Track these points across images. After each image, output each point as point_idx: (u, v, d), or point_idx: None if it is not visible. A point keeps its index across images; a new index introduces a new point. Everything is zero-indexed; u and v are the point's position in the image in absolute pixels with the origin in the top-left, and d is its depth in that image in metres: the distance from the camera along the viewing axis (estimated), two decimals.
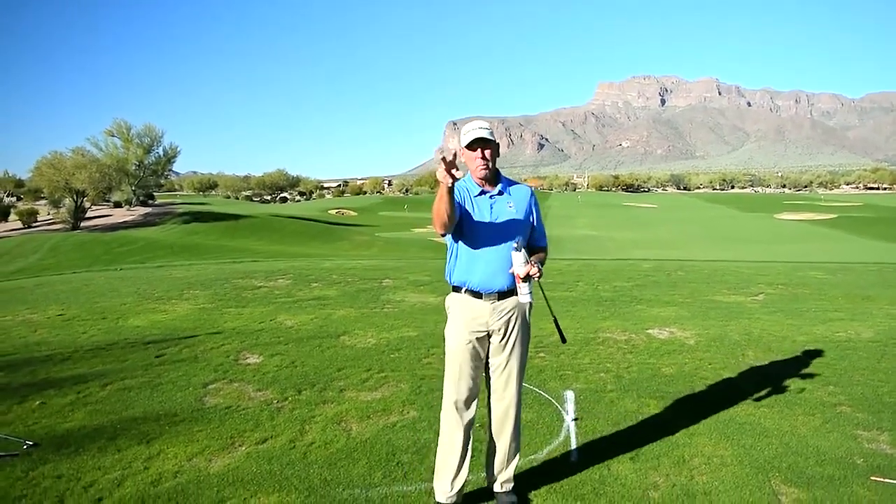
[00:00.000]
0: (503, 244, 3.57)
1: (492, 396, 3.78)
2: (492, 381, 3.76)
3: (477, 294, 3.61)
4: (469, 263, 3.61)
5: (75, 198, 61.00)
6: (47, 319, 9.10)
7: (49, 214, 66.29)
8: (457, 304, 3.68)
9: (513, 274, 3.55)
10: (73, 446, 4.58)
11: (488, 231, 3.59)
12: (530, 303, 3.62)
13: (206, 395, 5.74)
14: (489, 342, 3.69)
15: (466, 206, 3.60)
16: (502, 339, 3.68)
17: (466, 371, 3.62)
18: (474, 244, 3.59)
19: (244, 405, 5.46)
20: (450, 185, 3.17)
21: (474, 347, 3.63)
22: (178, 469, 4.23)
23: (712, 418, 5.18)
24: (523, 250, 3.51)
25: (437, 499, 3.69)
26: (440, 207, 3.33)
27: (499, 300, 3.63)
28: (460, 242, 3.64)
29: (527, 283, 3.53)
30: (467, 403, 3.63)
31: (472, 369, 3.63)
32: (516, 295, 3.63)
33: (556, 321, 3.91)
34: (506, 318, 3.65)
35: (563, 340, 3.89)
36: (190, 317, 9.23)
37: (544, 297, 3.72)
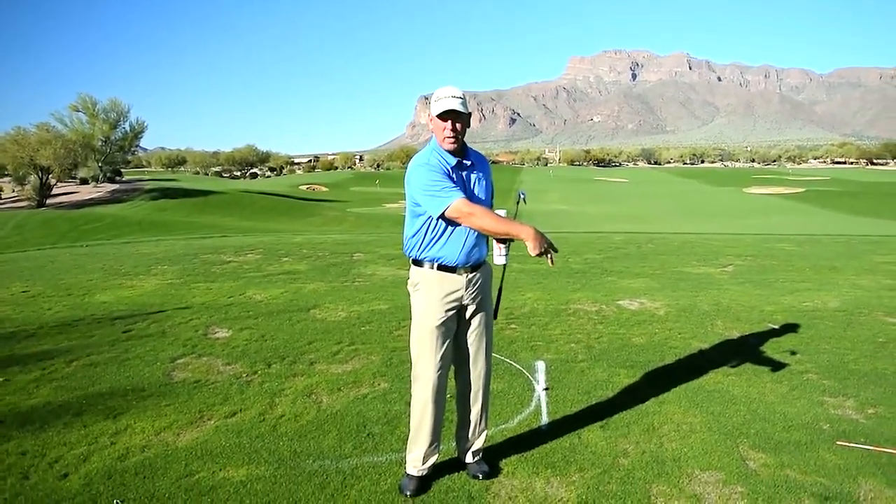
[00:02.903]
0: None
1: (464, 367, 3.75)
2: (466, 354, 3.73)
3: (451, 268, 3.54)
4: (448, 238, 3.49)
5: (40, 175, 60.01)
6: (11, 296, 8.92)
7: (13, 192, 65.21)
8: (430, 280, 3.56)
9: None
10: (38, 423, 4.49)
11: None
12: (504, 265, 3.60)
13: (174, 369, 5.67)
14: (460, 315, 3.64)
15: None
16: (475, 311, 3.65)
17: (440, 346, 3.55)
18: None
19: (213, 379, 5.40)
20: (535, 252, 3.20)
21: (447, 322, 3.56)
22: (145, 443, 4.17)
23: (682, 386, 5.22)
24: (505, 210, 3.47)
25: (409, 471, 3.66)
26: (496, 233, 3.30)
27: (472, 272, 3.58)
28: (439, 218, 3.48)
29: (505, 245, 3.49)
30: (441, 378, 3.58)
31: (444, 344, 3.57)
32: (484, 262, 3.62)
33: (500, 294, 3.86)
34: (477, 288, 3.61)
35: (494, 316, 3.85)
36: (158, 292, 9.10)
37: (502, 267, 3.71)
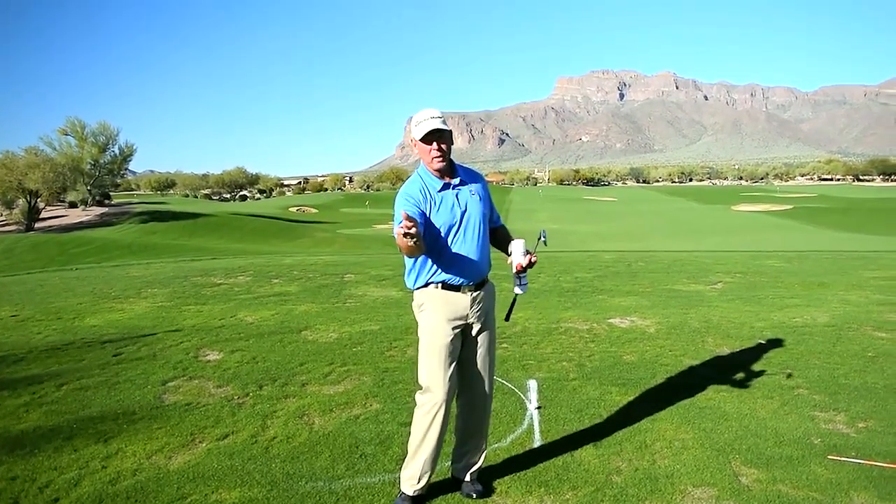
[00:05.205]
0: (476, 234, 3.54)
1: (468, 387, 3.74)
2: (470, 372, 3.72)
3: (455, 287, 3.56)
4: (446, 259, 3.52)
5: (29, 198, 59.82)
6: (0, 321, 8.87)
7: (2, 216, 64.91)
8: (434, 300, 3.57)
9: (511, 265, 3.59)
10: (28, 447, 4.46)
11: (461, 224, 3.53)
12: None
13: (166, 392, 5.64)
14: (465, 334, 3.65)
15: (429, 207, 3.49)
16: (480, 329, 3.67)
17: (449, 365, 3.54)
18: (449, 239, 3.51)
19: (204, 402, 5.38)
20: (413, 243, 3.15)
21: (454, 341, 3.56)
22: (137, 467, 4.15)
23: (673, 403, 5.23)
24: (523, 240, 3.55)
25: (405, 490, 3.64)
26: (412, 252, 3.30)
27: (475, 291, 3.60)
28: (434, 241, 3.52)
29: (524, 274, 3.56)
30: (449, 398, 3.56)
31: (452, 363, 3.56)
32: (486, 285, 3.68)
33: (514, 301, 3.89)
34: (482, 308, 3.64)
35: (507, 319, 3.90)
36: (148, 315, 9.07)
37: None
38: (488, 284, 3.73)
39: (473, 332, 3.66)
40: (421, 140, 3.45)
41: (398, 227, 3.10)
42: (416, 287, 3.63)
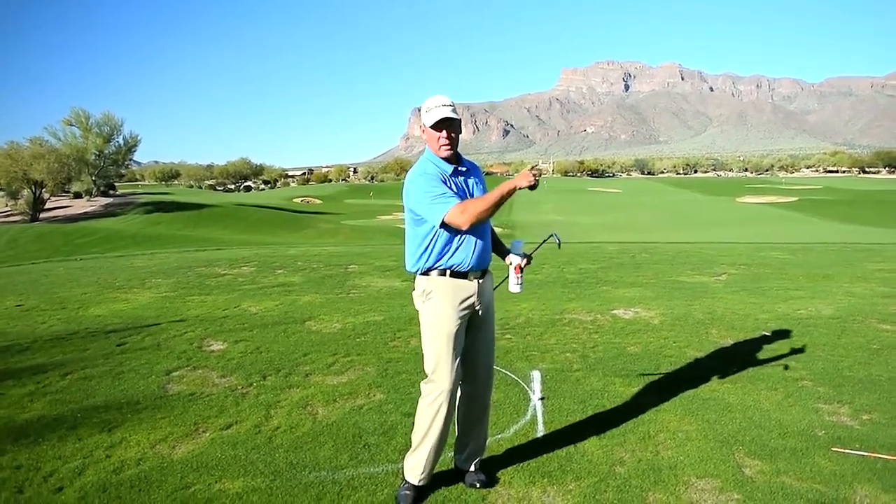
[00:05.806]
0: (484, 222, 3.55)
1: (471, 376, 3.74)
2: (472, 362, 3.71)
3: (462, 274, 3.55)
4: (454, 245, 3.51)
5: (34, 189, 59.92)
6: (5, 310, 8.89)
7: (7, 206, 64.99)
8: (443, 287, 3.55)
9: (510, 264, 3.78)
10: (33, 436, 4.48)
11: None
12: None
13: (170, 382, 5.65)
14: (470, 322, 3.65)
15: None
16: (483, 317, 3.68)
17: (457, 353, 3.54)
18: None
19: (208, 391, 5.39)
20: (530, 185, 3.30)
21: (461, 329, 3.56)
22: (140, 456, 4.16)
23: (677, 395, 5.22)
24: (522, 241, 3.72)
25: (412, 481, 3.62)
26: (494, 207, 3.35)
27: (481, 277, 3.62)
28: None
29: (521, 273, 3.71)
30: (455, 387, 3.56)
31: (459, 352, 3.56)
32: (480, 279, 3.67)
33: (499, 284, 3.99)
34: (487, 293, 3.67)
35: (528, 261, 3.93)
36: (152, 305, 9.08)
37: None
38: (489, 273, 3.75)
39: (478, 321, 3.67)
40: (431, 127, 3.45)
41: (531, 174, 3.35)
42: (421, 271, 3.60)
